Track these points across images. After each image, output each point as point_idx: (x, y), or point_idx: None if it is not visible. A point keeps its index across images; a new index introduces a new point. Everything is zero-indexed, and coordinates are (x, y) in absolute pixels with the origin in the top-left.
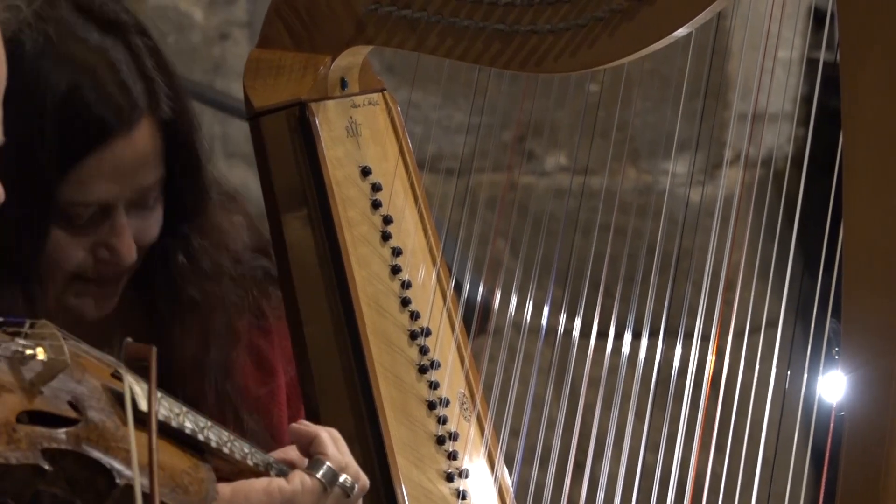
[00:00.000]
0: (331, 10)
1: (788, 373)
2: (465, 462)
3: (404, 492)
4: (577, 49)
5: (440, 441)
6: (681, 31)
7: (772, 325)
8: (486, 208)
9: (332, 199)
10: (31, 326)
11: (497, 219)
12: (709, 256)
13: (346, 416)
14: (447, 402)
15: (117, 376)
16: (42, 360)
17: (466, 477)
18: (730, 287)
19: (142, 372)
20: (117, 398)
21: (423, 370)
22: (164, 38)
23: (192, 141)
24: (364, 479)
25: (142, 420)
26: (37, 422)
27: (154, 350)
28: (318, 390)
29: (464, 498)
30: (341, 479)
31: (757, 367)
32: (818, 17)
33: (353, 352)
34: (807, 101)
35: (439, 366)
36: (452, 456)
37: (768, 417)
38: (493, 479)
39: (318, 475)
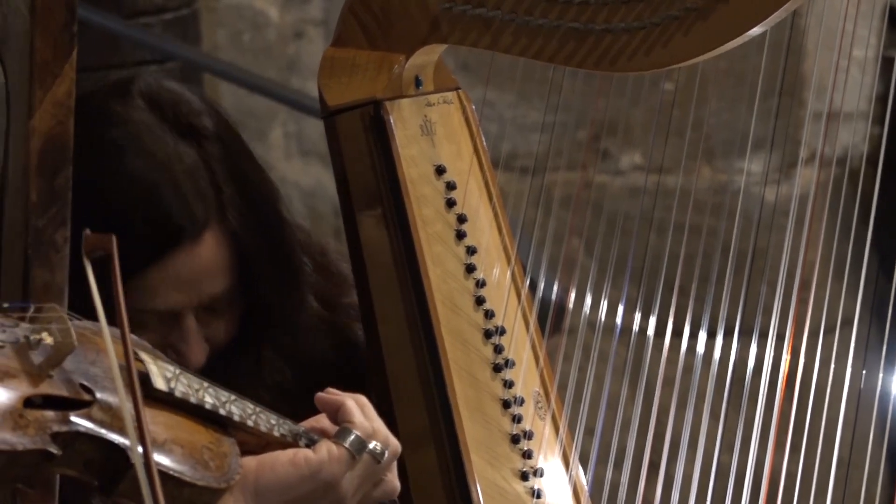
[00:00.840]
0: (405, 8)
1: (864, 372)
2: (540, 461)
3: (479, 490)
4: (652, 48)
5: (515, 440)
6: (755, 30)
7: (847, 323)
8: (560, 207)
9: (406, 198)
10: (38, 310)
11: (572, 217)
12: (784, 255)
13: (420, 414)
14: (522, 401)
15: (138, 358)
16: (49, 344)
17: (541, 476)
18: (805, 286)
19: (102, 263)
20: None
21: (497, 369)
22: (240, 36)
23: (267, 249)
24: (395, 444)
25: (160, 399)
26: (49, 406)
27: (113, 238)
28: (393, 388)
29: (538, 497)
30: (370, 445)
31: (832, 366)
32: (893, 16)
33: (428, 350)
34: (882, 99)
35: (514, 364)
36: (527, 455)
37: (843, 417)
38: (567, 479)
39: (346, 444)
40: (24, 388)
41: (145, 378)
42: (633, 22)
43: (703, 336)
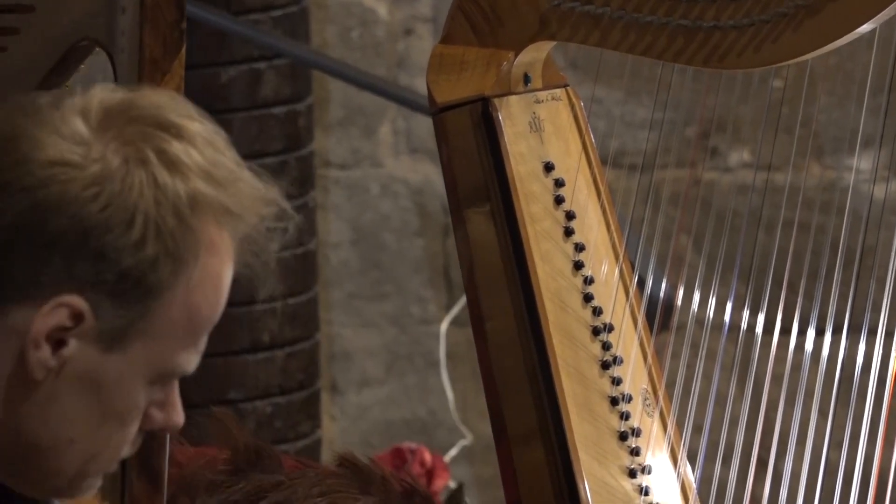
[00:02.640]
0: (514, 5)
1: None
2: (648, 458)
3: (587, 487)
4: (761, 45)
5: (623, 437)
6: (865, 27)
7: None
8: (669, 204)
9: (514, 195)
10: None
11: (680, 214)
12: (893, 252)
13: (528, 411)
14: (630, 399)
15: None
16: None
17: (649, 473)
18: None
19: None
20: None
21: (605, 366)
22: (349, 33)
23: None
24: None
25: None
26: None
27: None
28: (501, 385)
29: (646, 494)
30: None
31: None
32: None
33: (536, 347)
34: None
35: (622, 362)
36: (635, 452)
37: None
38: (675, 476)
39: None
40: None
41: None
42: (742, 19)
43: (811, 333)
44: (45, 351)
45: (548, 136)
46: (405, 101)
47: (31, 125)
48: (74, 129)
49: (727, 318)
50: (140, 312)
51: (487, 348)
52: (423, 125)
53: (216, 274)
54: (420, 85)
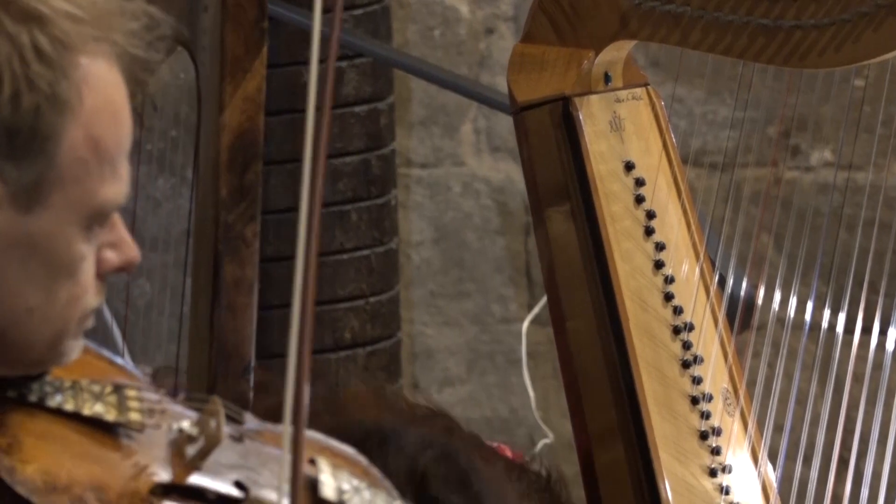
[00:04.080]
0: (595, 4)
1: None
2: (728, 457)
3: (667, 486)
4: (842, 44)
5: (703, 436)
6: None
7: None
8: (750, 203)
9: (595, 194)
10: (202, 401)
11: (761, 213)
12: None
13: (609, 410)
14: (710, 398)
15: (313, 461)
16: (198, 436)
17: (729, 472)
18: None
19: None
20: (309, 484)
21: (686, 365)
22: (431, 32)
23: None
24: None
25: None
26: (186, 496)
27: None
28: (582, 385)
29: (727, 493)
30: None
31: None
32: None
33: (617, 346)
34: None
35: (702, 361)
36: (715, 451)
37: None
38: (755, 475)
39: None
40: (161, 476)
41: (314, 483)
42: (822, 18)
43: (893, 332)
44: None
45: (628, 136)
46: (486, 99)
47: None
48: None
49: (808, 317)
50: (45, 164)
51: (568, 347)
52: (505, 124)
53: (107, 102)
54: (501, 84)
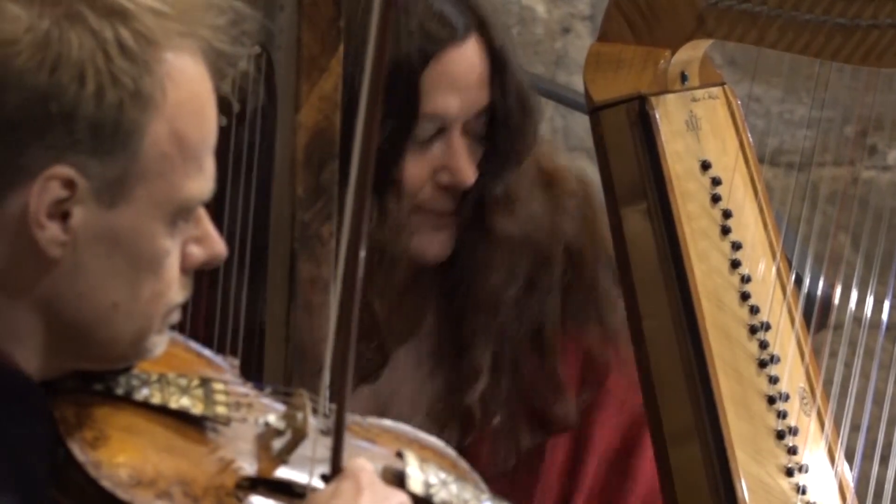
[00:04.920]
0: (671, 3)
1: None
2: (805, 457)
3: (744, 486)
4: None
5: (780, 436)
6: None
7: None
8: (826, 202)
9: (671, 193)
10: (284, 393)
11: (838, 213)
12: None
13: (685, 409)
14: (787, 397)
15: (400, 455)
16: (285, 430)
17: (806, 472)
18: None
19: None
20: (396, 477)
21: (762, 364)
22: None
23: (522, 86)
24: None
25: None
26: (272, 490)
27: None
28: (658, 384)
29: (803, 493)
30: None
31: None
32: None
33: (693, 345)
34: None
35: (779, 360)
36: (792, 451)
37: None
38: (832, 474)
39: None
40: (246, 470)
41: (401, 476)
42: None
43: None
44: (53, 228)
45: (704, 135)
46: (563, 98)
47: None
48: (1, 9)
49: (885, 316)
50: (129, 159)
51: (644, 346)
52: (581, 123)
53: (192, 97)
54: (578, 83)
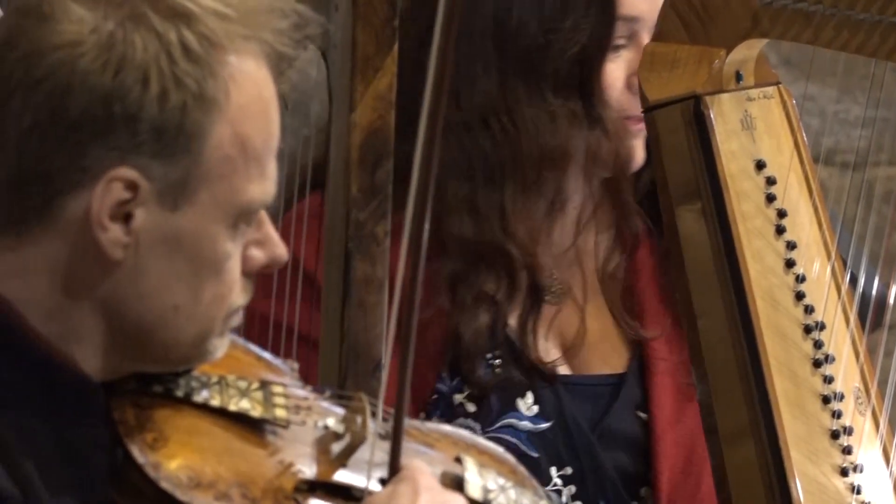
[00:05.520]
0: (726, 3)
1: None
2: (860, 456)
3: (798, 486)
4: None
5: (834, 435)
6: None
7: None
8: (882, 202)
9: (726, 193)
10: (348, 398)
11: (893, 212)
12: None
13: (739, 408)
14: (841, 397)
15: (459, 459)
16: (344, 436)
17: (861, 471)
18: None
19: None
20: (455, 482)
21: (817, 364)
22: None
23: None
24: None
25: None
26: (330, 493)
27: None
28: (712, 382)
29: (858, 493)
30: None
31: None
32: None
33: (748, 345)
34: None
35: (834, 360)
36: (847, 451)
37: None
38: (887, 474)
39: None
40: (306, 473)
41: (460, 481)
42: None
43: None
44: (115, 230)
45: (759, 134)
46: None
47: (25, 21)
48: (66, 10)
49: None
50: (191, 161)
51: (699, 345)
52: None
53: (255, 99)
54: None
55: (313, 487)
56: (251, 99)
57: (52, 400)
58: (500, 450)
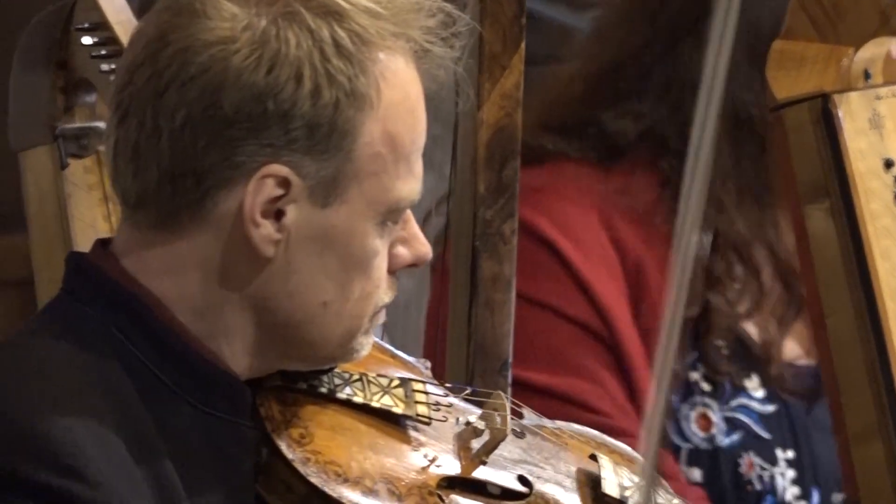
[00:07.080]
0: (855, 1)
1: None
2: None
3: None
4: None
5: None
6: None
7: None
8: None
9: (854, 192)
10: (480, 394)
11: None
12: None
13: (868, 408)
14: None
15: (594, 458)
16: (484, 433)
17: None
18: None
19: None
20: (591, 480)
21: None
22: None
23: None
24: None
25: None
26: (467, 489)
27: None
28: (841, 382)
29: None
30: None
31: None
32: None
33: (877, 344)
34: None
35: None
36: None
37: None
38: None
39: None
40: (448, 470)
41: (596, 479)
42: None
43: None
44: (267, 226)
45: (888, 133)
46: None
47: (177, 18)
48: (219, 7)
49: None
50: (342, 158)
51: (827, 344)
52: None
53: (404, 97)
54: None
55: (454, 483)
56: (401, 97)
57: (200, 398)
58: (629, 449)
